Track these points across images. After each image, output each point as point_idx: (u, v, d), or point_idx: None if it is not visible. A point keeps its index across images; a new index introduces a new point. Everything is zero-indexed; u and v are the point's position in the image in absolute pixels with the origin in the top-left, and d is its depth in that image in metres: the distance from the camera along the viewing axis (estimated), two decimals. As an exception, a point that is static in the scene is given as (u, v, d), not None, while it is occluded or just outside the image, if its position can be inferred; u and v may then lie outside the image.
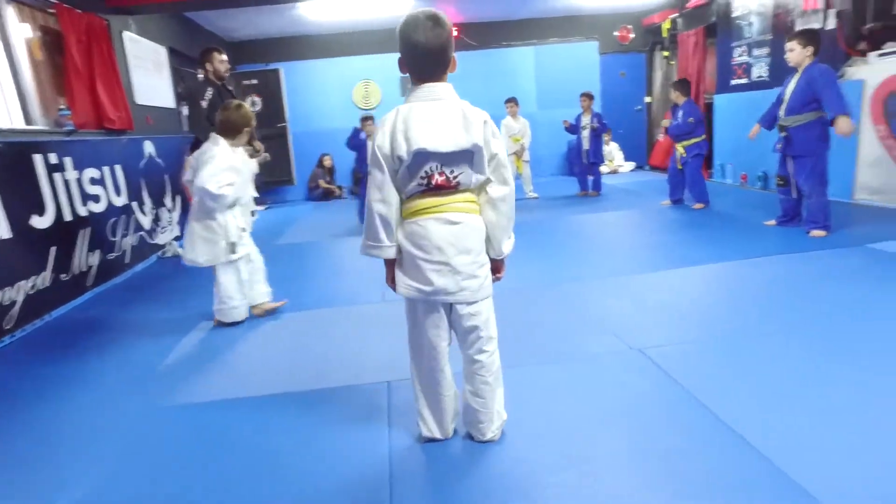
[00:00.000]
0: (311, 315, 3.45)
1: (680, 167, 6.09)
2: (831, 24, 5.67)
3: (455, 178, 1.68)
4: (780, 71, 6.45)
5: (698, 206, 5.93)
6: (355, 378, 2.50)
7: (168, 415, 2.33)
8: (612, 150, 9.68)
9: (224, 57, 4.81)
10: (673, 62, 9.35)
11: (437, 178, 1.67)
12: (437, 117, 1.64)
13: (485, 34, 9.34)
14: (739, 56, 7.12)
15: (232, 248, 3.23)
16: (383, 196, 1.70)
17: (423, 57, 1.67)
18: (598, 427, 1.96)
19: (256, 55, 9.05)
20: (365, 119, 6.73)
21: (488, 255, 1.79)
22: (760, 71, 6.77)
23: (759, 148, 6.87)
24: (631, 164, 9.74)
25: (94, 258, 4.38)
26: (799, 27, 6.10)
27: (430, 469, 1.81)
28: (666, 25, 8.86)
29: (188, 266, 3.30)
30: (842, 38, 5.57)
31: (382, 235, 1.73)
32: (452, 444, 1.93)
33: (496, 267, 1.84)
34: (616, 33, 9.61)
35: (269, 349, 2.97)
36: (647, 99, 10.02)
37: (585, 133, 7.34)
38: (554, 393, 2.24)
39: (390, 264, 1.81)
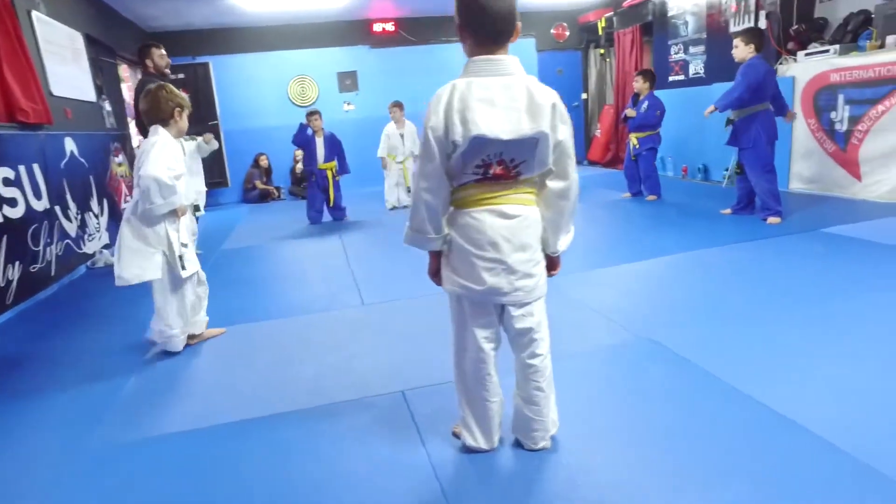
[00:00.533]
0: (281, 325, 3.16)
1: (634, 158, 6.21)
2: (762, 24, 6.00)
3: (515, 168, 1.50)
4: (715, 68, 6.78)
5: (651, 197, 6.09)
6: (361, 390, 2.28)
7: (147, 449, 2.00)
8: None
9: (163, 51, 4.73)
10: (608, 59, 9.63)
11: (496, 168, 1.49)
12: (499, 97, 1.43)
13: (423, 29, 9.18)
14: (676, 53, 7.42)
15: (180, 262, 2.72)
16: (431, 185, 1.51)
17: (491, 22, 1.45)
18: (646, 423, 1.87)
19: (182, 47, 8.38)
20: (311, 114, 6.39)
21: (543, 251, 1.64)
22: (697, 68, 7.08)
23: (699, 141, 7.20)
24: (570, 160, 9.91)
25: (14, 271, 3.82)
26: (732, 27, 6.43)
27: (485, 483, 1.64)
28: (601, 24, 9.09)
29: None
30: (772, 37, 5.91)
31: (428, 227, 1.56)
32: (501, 455, 1.77)
33: (552, 263, 1.70)
34: (552, 31, 9.76)
35: (243, 367, 2.66)
36: (584, 96, 10.26)
37: None
38: (589, 390, 2.14)
39: (435, 256, 1.66)
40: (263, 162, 8.57)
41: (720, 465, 1.62)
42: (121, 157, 6.44)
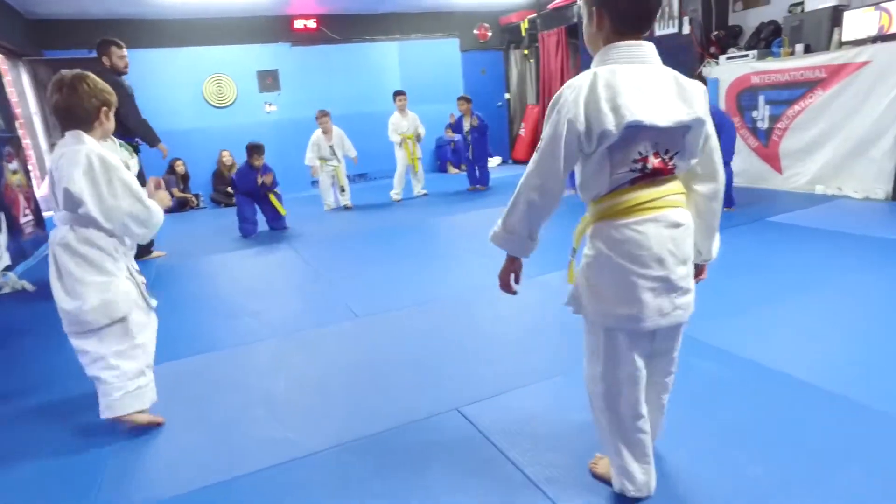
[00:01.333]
0: (276, 348, 2.87)
1: None
2: (686, 29, 6.43)
3: (671, 160, 1.33)
4: (641, 69, 7.15)
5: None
6: (409, 412, 2.11)
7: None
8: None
9: (123, 52, 4.52)
10: (532, 60, 9.88)
11: (653, 161, 1.30)
12: (648, 83, 1.27)
13: (347, 27, 8.89)
14: (601, 56, 7.73)
15: (142, 295, 2.18)
16: (545, 185, 1.33)
17: (635, 7, 1.31)
18: (712, 419, 1.89)
19: (73, 40, 7.45)
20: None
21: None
22: (623, 69, 7.43)
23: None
24: (497, 159, 10.07)
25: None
26: (658, 31, 6.82)
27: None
28: (524, 25, 9.30)
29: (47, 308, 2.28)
30: (696, 41, 6.34)
31: (524, 229, 1.40)
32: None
33: (699, 270, 1.54)
34: (475, 31, 9.85)
35: (253, 399, 2.38)
36: (507, 96, 10.45)
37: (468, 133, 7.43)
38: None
39: (513, 260, 1.48)
40: (179, 168, 7.85)
41: (822, 460, 1.66)
42: (14, 164, 5.61)
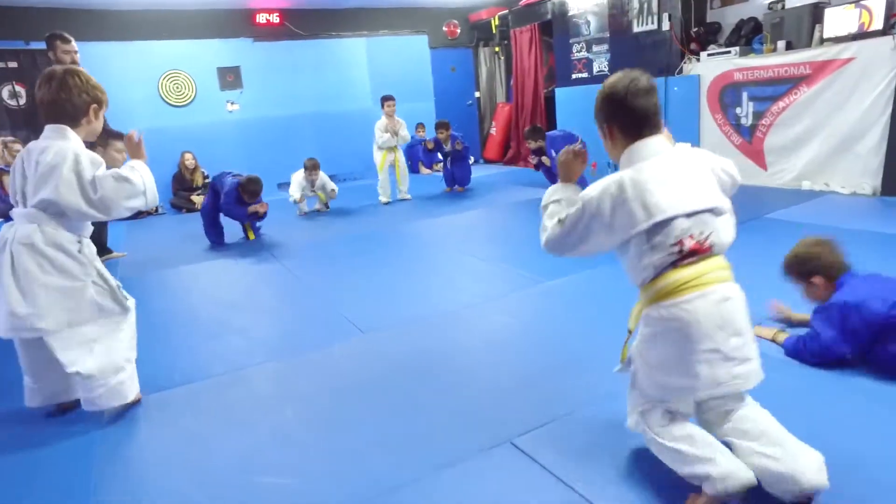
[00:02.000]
0: (279, 371, 2.56)
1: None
2: (665, 25, 6.38)
3: (706, 240, 1.43)
4: (620, 66, 7.07)
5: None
6: (454, 449, 1.85)
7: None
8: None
9: (70, 46, 4.19)
10: (503, 57, 9.72)
11: (689, 244, 1.41)
12: (672, 175, 1.43)
13: (312, 22, 8.48)
14: (579, 52, 7.64)
15: (121, 292, 2.18)
16: (560, 247, 1.57)
17: (643, 119, 1.47)
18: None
19: (9, 29, 6.79)
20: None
21: None
22: (601, 66, 7.35)
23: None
24: (471, 159, 9.84)
25: None
26: (636, 27, 6.75)
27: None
28: (495, 22, 9.13)
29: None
30: (675, 38, 6.30)
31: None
32: None
33: None
34: (444, 28, 9.61)
35: (254, 438, 2.07)
36: (477, 94, 10.26)
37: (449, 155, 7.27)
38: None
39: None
40: (135, 171, 7.28)
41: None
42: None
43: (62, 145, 1.98)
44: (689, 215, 1.39)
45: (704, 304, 1.39)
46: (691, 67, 6.22)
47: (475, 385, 2.25)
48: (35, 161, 1.97)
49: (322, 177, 6.54)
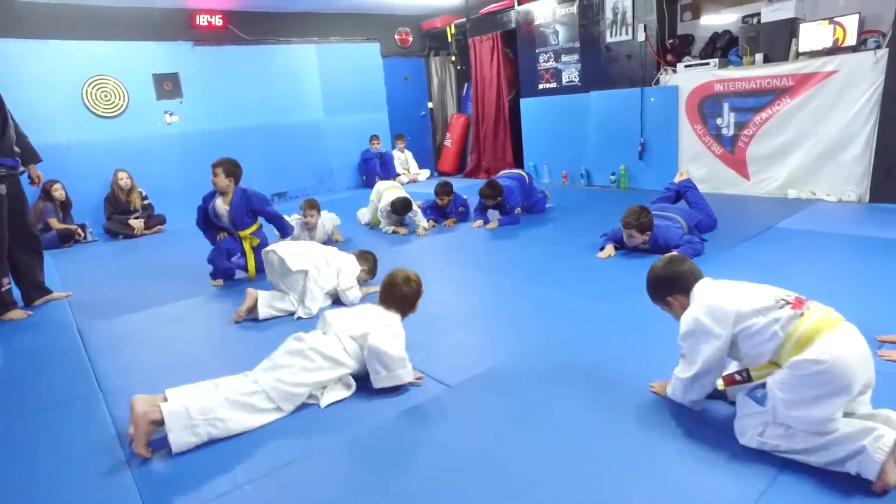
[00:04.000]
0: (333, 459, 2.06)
1: None
2: (641, 36, 6.39)
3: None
4: (591, 76, 7.04)
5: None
6: None
7: None
8: (409, 159, 9.28)
9: None
10: (460, 67, 9.46)
11: (790, 297, 1.78)
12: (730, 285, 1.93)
13: (259, 26, 7.79)
14: (546, 62, 7.53)
15: None
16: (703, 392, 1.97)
17: (689, 276, 2.02)
18: None
19: None
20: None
21: None
22: (571, 76, 7.27)
23: (577, 148, 7.41)
24: (426, 172, 9.49)
25: None
26: (609, 38, 6.73)
27: None
28: (451, 31, 8.85)
29: None
30: (651, 48, 6.32)
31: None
32: None
33: None
34: (396, 36, 9.21)
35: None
36: (430, 104, 9.92)
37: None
38: None
39: None
40: (58, 193, 6.22)
41: None
42: None
43: None
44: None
45: (842, 339, 1.64)
46: (668, 78, 6.26)
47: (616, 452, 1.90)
48: None
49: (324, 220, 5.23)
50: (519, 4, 7.65)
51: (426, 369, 2.51)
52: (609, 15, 6.64)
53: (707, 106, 5.98)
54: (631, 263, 3.90)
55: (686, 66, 6.09)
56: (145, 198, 6.73)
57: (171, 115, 7.23)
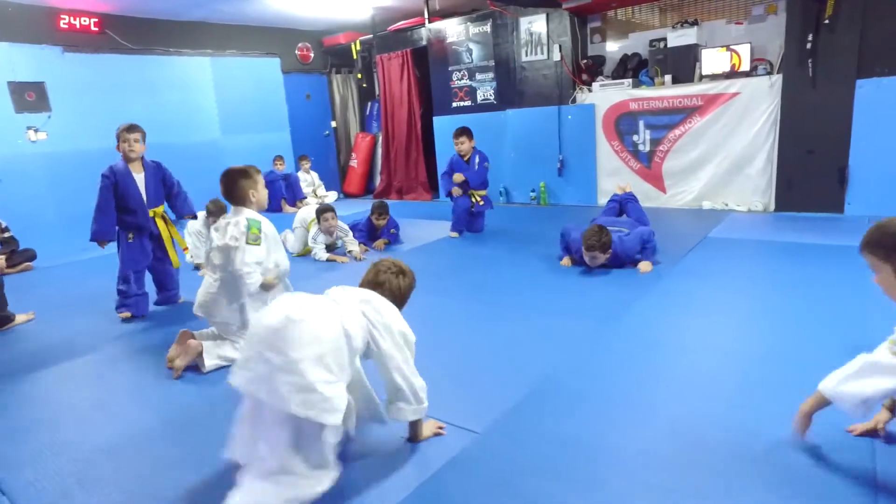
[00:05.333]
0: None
1: (471, 212, 5.66)
2: (556, 55, 6.55)
3: None
4: (507, 94, 7.09)
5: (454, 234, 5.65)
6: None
7: None
8: (315, 180, 8.73)
9: None
10: (365, 85, 9.13)
11: None
12: None
13: (143, 34, 6.92)
14: (460, 80, 7.47)
15: None
16: None
17: None
18: None
19: None
20: None
21: None
22: (486, 94, 7.27)
23: (495, 165, 7.38)
24: (333, 194, 8.99)
25: None
26: (524, 57, 6.83)
27: None
28: (356, 47, 8.53)
29: None
30: (567, 68, 6.50)
31: None
32: None
33: None
34: (297, 52, 8.69)
35: None
36: (333, 124, 9.47)
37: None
38: None
39: None
40: None
41: None
42: None
43: None
44: None
45: None
46: (584, 97, 6.46)
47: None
48: None
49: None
50: (430, 22, 7.55)
51: (440, 414, 2.17)
52: (524, 35, 6.74)
53: (623, 123, 6.24)
54: (591, 279, 3.85)
55: (601, 86, 6.33)
56: (5, 229, 5.58)
57: (35, 131, 6.12)
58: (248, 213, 2.77)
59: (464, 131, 5.52)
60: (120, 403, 2.55)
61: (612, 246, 3.90)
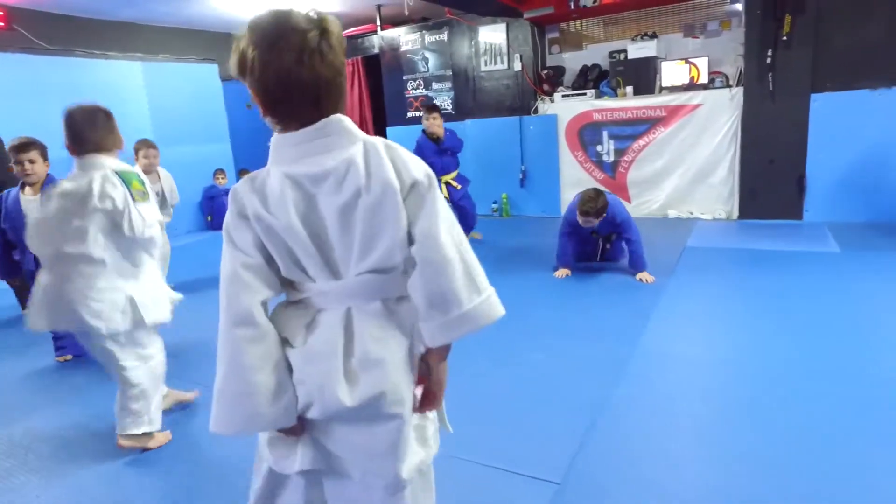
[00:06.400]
0: None
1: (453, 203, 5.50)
2: (517, 65, 6.49)
3: None
4: (465, 104, 6.94)
5: (477, 235, 5.67)
6: None
7: None
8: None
9: None
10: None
11: None
12: None
13: (61, 33, 6.17)
14: (415, 89, 7.24)
15: None
16: None
17: None
18: None
19: None
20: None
21: None
22: (444, 103, 7.08)
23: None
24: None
25: None
26: (483, 67, 6.71)
27: None
28: (301, 54, 8.07)
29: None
30: (528, 78, 6.45)
31: None
32: None
33: None
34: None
35: None
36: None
37: None
38: None
39: None
40: None
41: None
42: None
43: None
44: None
45: None
46: (546, 107, 6.43)
47: None
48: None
49: (167, 174, 4.47)
50: (382, 30, 7.28)
51: (503, 462, 1.93)
52: (483, 45, 6.63)
53: (587, 134, 6.26)
54: (590, 294, 3.75)
55: (563, 96, 6.32)
56: None
57: (-67, 144, 5.24)
58: (113, 163, 2.12)
59: (435, 107, 5.30)
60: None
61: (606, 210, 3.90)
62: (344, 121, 1.04)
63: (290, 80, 0.97)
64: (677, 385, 2.46)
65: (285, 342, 1.07)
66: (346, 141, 1.03)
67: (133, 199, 2.06)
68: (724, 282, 3.86)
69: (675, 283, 3.83)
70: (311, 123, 1.01)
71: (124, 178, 2.08)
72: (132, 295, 2.09)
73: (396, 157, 1.03)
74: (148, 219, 2.10)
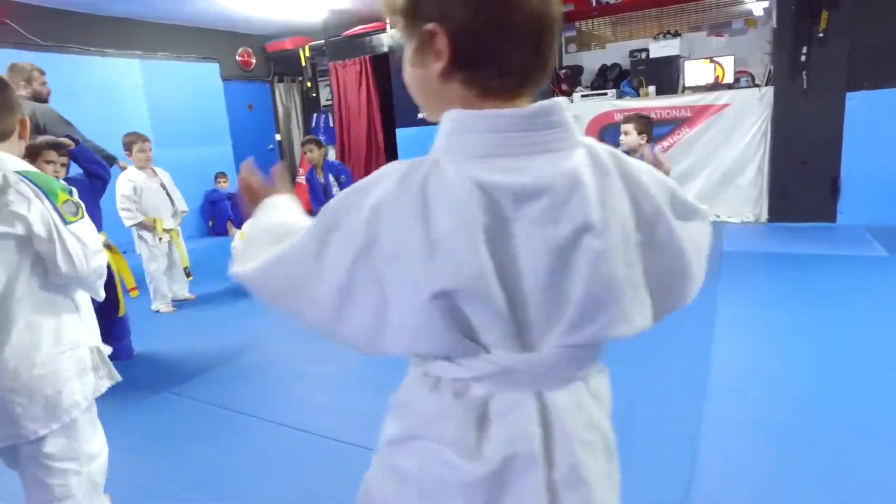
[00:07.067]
0: None
1: None
2: (534, 65, 6.27)
3: None
4: (482, 106, 6.71)
5: None
6: None
7: None
8: (262, 198, 7.88)
9: None
10: (314, 95, 8.41)
11: None
12: None
13: (56, 29, 5.85)
14: (428, 91, 7.00)
15: None
16: None
17: None
18: None
19: None
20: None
21: None
22: (459, 106, 6.84)
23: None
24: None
25: None
26: (500, 66, 6.48)
27: None
28: (304, 53, 7.82)
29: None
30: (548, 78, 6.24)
31: None
32: None
33: None
34: (238, 57, 7.83)
35: None
36: (278, 137, 8.64)
37: None
38: None
39: None
40: None
41: None
42: None
43: None
44: None
45: None
46: (567, 107, 6.20)
47: None
48: None
49: (164, 174, 4.22)
50: (391, 28, 7.02)
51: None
52: (500, 43, 6.41)
53: (608, 134, 6.04)
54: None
55: (583, 97, 6.12)
56: None
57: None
58: (13, 162, 1.30)
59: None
60: None
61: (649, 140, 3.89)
62: (565, 107, 0.69)
63: (541, 15, 0.64)
64: (771, 402, 2.23)
65: (432, 449, 0.69)
66: (569, 140, 0.67)
67: (62, 217, 1.29)
68: (776, 286, 3.67)
69: (724, 289, 3.61)
70: (529, 95, 0.68)
71: (41, 186, 1.28)
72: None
73: (630, 176, 0.69)
74: (90, 243, 1.34)
